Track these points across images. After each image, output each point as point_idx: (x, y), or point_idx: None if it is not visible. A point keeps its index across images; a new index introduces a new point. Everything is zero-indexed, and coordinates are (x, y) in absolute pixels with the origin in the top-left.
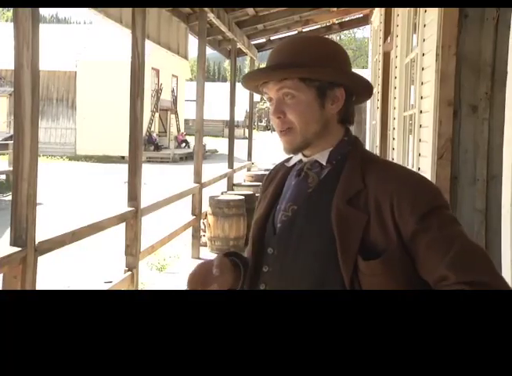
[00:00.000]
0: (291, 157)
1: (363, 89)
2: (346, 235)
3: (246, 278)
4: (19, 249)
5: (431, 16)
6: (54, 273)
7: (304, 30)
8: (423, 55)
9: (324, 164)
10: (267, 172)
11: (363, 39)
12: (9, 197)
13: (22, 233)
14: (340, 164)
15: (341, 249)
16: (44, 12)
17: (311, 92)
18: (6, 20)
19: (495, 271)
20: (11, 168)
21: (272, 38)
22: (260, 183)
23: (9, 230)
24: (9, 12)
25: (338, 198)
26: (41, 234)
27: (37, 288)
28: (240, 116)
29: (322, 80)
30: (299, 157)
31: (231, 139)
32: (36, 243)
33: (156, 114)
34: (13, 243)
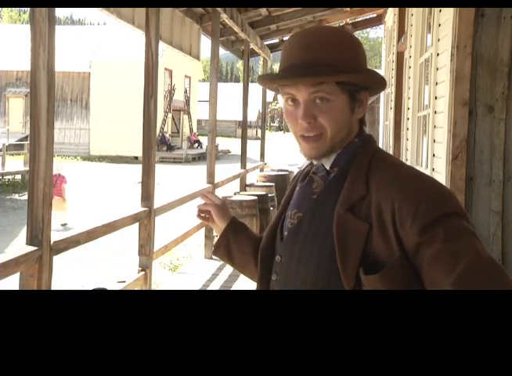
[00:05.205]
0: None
1: (378, 86)
2: (346, 246)
3: (257, 285)
4: (36, 248)
5: (446, 15)
6: (69, 273)
7: None
8: (438, 55)
9: (328, 168)
10: (279, 173)
11: (377, 39)
12: (25, 197)
13: (38, 232)
14: (347, 167)
15: (341, 261)
16: (58, 13)
17: (344, 96)
18: (22, 23)
19: (509, 288)
20: (27, 168)
21: (285, 39)
22: (273, 184)
23: (24, 229)
24: (25, 15)
25: (340, 205)
26: (57, 234)
27: (52, 287)
28: (253, 116)
29: (357, 84)
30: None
31: (244, 139)
32: (51, 242)
33: (169, 115)
34: (29, 242)
